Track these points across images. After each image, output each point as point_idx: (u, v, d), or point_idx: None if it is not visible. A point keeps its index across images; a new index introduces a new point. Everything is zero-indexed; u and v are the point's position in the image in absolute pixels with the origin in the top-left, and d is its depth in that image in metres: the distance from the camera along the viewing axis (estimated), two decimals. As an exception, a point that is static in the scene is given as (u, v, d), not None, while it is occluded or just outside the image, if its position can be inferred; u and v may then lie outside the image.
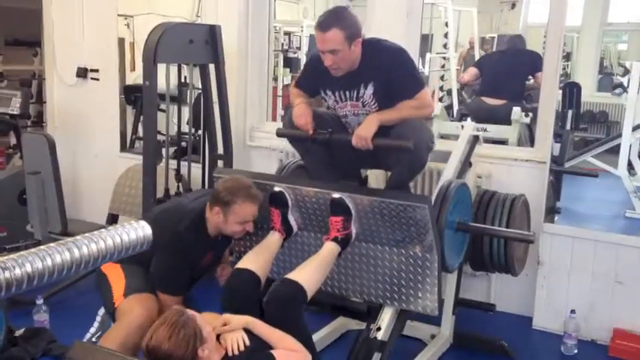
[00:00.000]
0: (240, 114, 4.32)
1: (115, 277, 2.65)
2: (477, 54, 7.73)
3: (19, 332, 3.19)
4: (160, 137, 3.97)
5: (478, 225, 2.98)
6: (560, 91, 5.01)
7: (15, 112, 4.78)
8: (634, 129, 5.06)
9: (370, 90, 2.71)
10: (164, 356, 1.99)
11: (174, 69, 3.99)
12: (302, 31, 8.22)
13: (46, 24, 5.05)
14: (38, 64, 7.07)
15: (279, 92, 7.28)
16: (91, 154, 4.95)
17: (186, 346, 1.99)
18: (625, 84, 7.41)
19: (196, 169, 4.15)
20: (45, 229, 3.81)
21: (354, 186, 2.90)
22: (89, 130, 4.94)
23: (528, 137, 4.97)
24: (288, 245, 2.80)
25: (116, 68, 4.85)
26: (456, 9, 7.29)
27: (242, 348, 2.17)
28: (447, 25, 7.12)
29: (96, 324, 2.92)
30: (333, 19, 2.59)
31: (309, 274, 2.44)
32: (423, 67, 6.89)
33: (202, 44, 3.85)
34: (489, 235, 3.01)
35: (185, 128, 4.27)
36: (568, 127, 5.16)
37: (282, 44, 8.16)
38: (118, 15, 4.81)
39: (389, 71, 2.67)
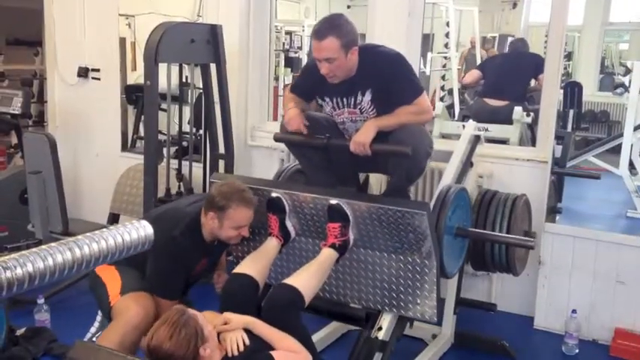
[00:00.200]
0: (242, 114, 4.32)
1: (110, 277, 2.64)
2: (478, 53, 7.72)
3: (20, 331, 3.19)
4: (161, 137, 3.97)
5: (477, 230, 2.96)
6: (562, 91, 5.01)
7: (16, 112, 4.78)
8: (635, 129, 5.06)
9: (368, 97, 2.69)
10: (165, 356, 1.98)
11: (175, 68, 3.99)
12: (303, 30, 8.21)
13: (47, 23, 5.06)
14: (39, 64, 7.08)
15: (280, 92, 7.27)
16: (92, 153, 4.95)
17: (187, 346, 1.99)
18: (626, 84, 7.39)
19: (197, 169, 4.14)
20: (46, 229, 3.80)
21: (352, 192, 2.88)
22: (90, 130, 4.95)
23: (530, 137, 4.97)
24: (286, 251, 2.78)
25: (117, 68, 4.85)
26: (457, 8, 7.28)
27: (242, 348, 2.16)
28: (448, 24, 7.12)
29: (96, 323, 2.92)
30: (329, 27, 2.57)
31: (306, 280, 2.43)
32: (424, 66, 6.88)
33: (203, 44, 3.85)
34: (489, 240, 3.01)
35: (186, 128, 4.27)
36: (569, 126, 5.16)
37: (284, 44, 8.16)
38: (119, 14, 4.81)
39: (386, 78, 2.65)
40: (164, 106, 3.95)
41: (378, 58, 2.68)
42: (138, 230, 1.67)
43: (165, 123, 3.94)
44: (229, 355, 2.15)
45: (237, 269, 2.54)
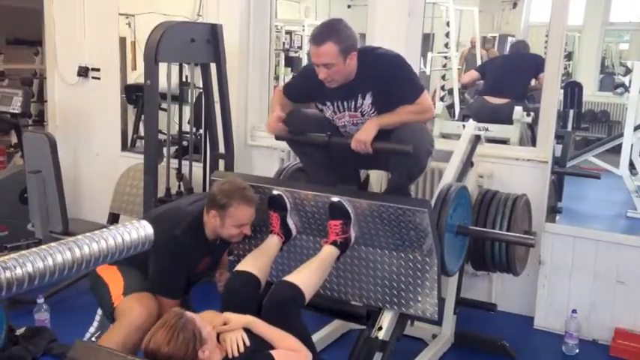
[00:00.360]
0: (242, 113, 4.32)
1: (112, 277, 2.63)
2: (479, 53, 7.72)
3: (20, 331, 3.19)
4: (161, 136, 3.97)
5: (478, 229, 2.96)
6: (562, 91, 5.01)
7: (16, 111, 4.78)
8: (635, 128, 5.06)
9: (368, 100, 2.68)
10: (164, 359, 1.98)
11: (175, 68, 3.98)
12: (303, 30, 8.21)
13: (47, 23, 5.05)
14: (39, 63, 7.07)
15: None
16: (92, 153, 4.95)
17: (185, 349, 1.99)
18: (626, 84, 7.39)
19: (197, 169, 4.14)
20: (46, 228, 3.80)
21: (353, 190, 2.88)
22: (90, 129, 4.95)
23: (530, 137, 4.97)
24: (287, 249, 2.79)
25: (117, 67, 4.85)
26: (457, 8, 7.28)
27: (242, 349, 2.16)
28: (448, 24, 7.11)
29: (95, 323, 2.91)
30: (328, 32, 2.55)
31: (307, 277, 2.43)
32: (425, 66, 6.88)
33: (204, 43, 3.85)
34: (490, 239, 3.01)
35: (186, 127, 4.27)
36: (570, 126, 5.16)
37: (284, 43, 8.17)
38: (119, 14, 4.80)
39: (386, 80, 2.64)
40: (164, 105, 3.95)
41: (377, 61, 2.67)
42: (138, 230, 1.67)
43: (165, 122, 3.94)
44: (229, 356, 2.15)
45: (239, 267, 2.54)
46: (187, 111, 4.13)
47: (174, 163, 4.05)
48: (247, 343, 2.19)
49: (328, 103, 2.78)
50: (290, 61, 8.14)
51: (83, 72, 4.87)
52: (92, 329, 2.91)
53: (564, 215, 4.26)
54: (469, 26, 7.82)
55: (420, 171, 2.80)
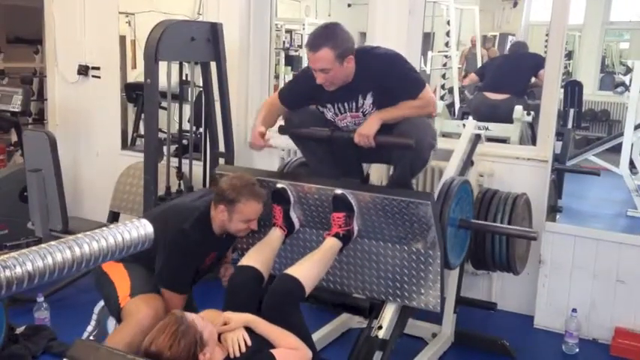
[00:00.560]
0: (242, 112, 4.32)
1: (119, 276, 2.62)
2: (479, 52, 7.73)
3: (19, 330, 3.19)
4: (161, 135, 3.97)
5: (480, 222, 2.97)
6: (562, 90, 5.01)
7: (16, 110, 4.77)
8: (636, 128, 5.06)
9: (369, 100, 2.69)
10: None
11: (175, 67, 3.98)
12: (303, 29, 8.21)
13: (47, 21, 5.05)
14: (39, 62, 7.08)
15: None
16: (92, 151, 4.95)
17: (187, 354, 1.98)
18: (627, 83, 7.39)
19: (197, 167, 4.14)
20: (46, 227, 3.80)
21: (357, 182, 2.90)
22: (90, 128, 4.94)
23: (530, 136, 4.97)
24: (290, 242, 2.81)
25: (117, 66, 4.84)
26: (457, 7, 7.28)
27: (243, 349, 2.16)
28: (448, 23, 7.11)
29: (93, 322, 2.90)
30: (324, 38, 2.55)
31: (308, 269, 2.44)
32: (425, 65, 6.88)
33: (204, 42, 3.85)
34: (492, 232, 3.01)
35: (186, 126, 4.27)
36: (570, 125, 5.16)
37: (284, 42, 8.15)
38: (119, 12, 4.80)
39: (385, 79, 2.64)
40: (164, 104, 3.95)
41: (376, 61, 2.67)
42: (138, 229, 1.67)
43: (165, 121, 3.93)
44: (231, 356, 2.14)
45: (243, 261, 2.54)
46: (187, 109, 4.13)
47: (174, 161, 4.05)
48: (249, 342, 2.18)
49: (329, 106, 2.78)
50: (290, 60, 8.13)
51: (83, 70, 4.86)
52: (90, 328, 2.90)
53: (564, 214, 4.27)
54: (470, 25, 7.82)
55: (423, 165, 2.80)
